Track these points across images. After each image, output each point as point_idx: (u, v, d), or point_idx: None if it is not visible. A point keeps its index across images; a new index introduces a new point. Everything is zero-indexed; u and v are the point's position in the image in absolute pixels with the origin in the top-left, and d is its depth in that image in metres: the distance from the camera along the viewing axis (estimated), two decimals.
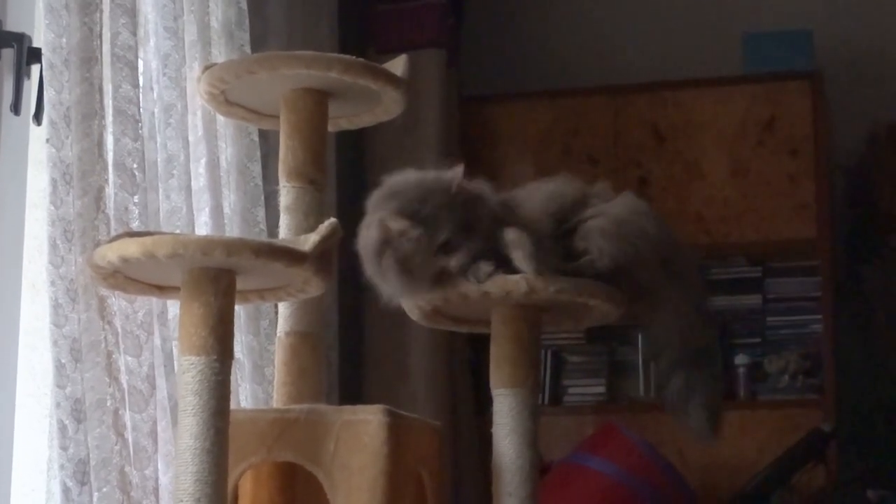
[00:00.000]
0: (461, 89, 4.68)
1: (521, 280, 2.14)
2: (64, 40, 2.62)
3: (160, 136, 2.94)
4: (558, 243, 2.21)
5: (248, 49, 3.36)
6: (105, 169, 2.67)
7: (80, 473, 2.49)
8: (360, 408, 2.08)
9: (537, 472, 2.22)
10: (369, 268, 2.13)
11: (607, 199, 2.29)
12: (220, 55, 3.25)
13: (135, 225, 2.72)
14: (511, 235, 2.14)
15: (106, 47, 2.74)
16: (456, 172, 2.14)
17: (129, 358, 2.66)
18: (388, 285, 2.14)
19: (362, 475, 2.02)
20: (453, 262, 2.12)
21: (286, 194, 2.32)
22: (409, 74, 2.38)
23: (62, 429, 2.49)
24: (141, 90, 2.84)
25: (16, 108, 2.70)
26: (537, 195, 2.27)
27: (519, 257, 2.12)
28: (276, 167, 2.35)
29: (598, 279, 2.20)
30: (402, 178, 2.17)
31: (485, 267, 2.12)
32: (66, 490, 2.48)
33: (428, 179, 2.15)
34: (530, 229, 2.17)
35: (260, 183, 3.31)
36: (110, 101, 2.74)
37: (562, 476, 3.93)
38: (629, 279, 2.23)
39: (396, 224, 2.08)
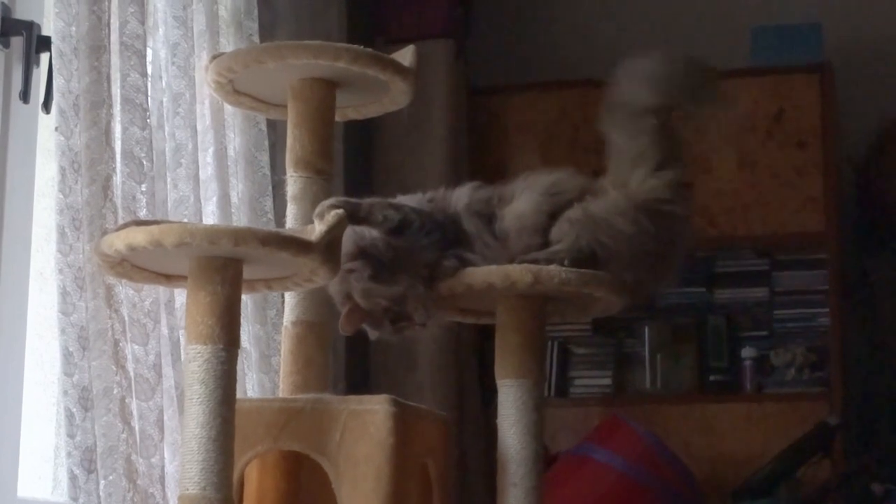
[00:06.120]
0: (469, 80, 4.68)
1: (526, 271, 2.14)
2: (73, 29, 2.62)
3: (168, 126, 2.95)
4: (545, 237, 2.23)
5: (256, 39, 3.36)
6: (113, 158, 2.68)
7: (87, 461, 2.50)
8: (366, 398, 2.09)
9: (542, 463, 2.23)
10: None
11: (599, 195, 2.27)
12: (228, 45, 3.26)
13: (142, 214, 2.72)
14: None
15: (114, 36, 2.74)
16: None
17: (136, 346, 2.66)
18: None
19: (368, 465, 2.03)
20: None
21: (293, 184, 2.33)
22: (417, 65, 2.38)
23: (69, 417, 2.50)
24: (149, 79, 2.84)
25: (25, 96, 2.70)
26: (535, 189, 2.27)
27: None
28: (284, 157, 2.35)
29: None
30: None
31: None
32: (73, 478, 2.49)
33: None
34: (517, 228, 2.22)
35: (268, 172, 3.31)
36: (118, 90, 2.74)
37: (567, 468, 3.93)
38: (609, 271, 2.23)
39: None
